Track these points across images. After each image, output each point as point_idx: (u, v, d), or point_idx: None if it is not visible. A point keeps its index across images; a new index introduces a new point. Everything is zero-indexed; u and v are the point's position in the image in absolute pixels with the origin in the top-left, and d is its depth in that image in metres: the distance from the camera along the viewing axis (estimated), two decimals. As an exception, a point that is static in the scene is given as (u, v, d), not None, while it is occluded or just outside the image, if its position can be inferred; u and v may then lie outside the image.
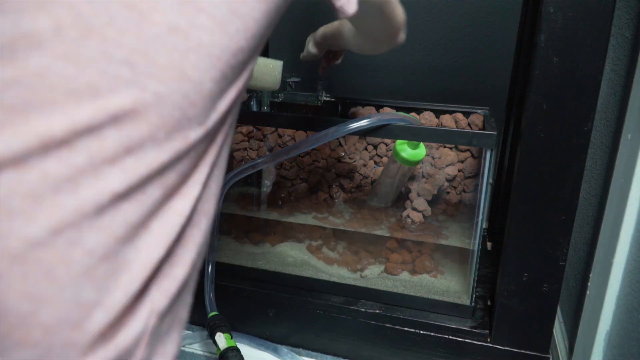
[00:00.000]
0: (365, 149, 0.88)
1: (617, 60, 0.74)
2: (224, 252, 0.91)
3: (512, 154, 0.93)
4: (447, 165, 0.83)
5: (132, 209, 0.30)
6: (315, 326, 0.82)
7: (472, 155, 0.84)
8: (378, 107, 0.94)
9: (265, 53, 1.19)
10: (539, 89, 0.63)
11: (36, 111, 0.28)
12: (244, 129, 0.91)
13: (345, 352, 0.82)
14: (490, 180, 0.87)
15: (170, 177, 0.32)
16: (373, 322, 0.79)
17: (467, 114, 0.89)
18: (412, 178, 0.85)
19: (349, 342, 0.81)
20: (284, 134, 0.88)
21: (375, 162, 0.88)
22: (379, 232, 0.85)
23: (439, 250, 0.87)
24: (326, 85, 0.96)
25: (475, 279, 0.77)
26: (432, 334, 0.76)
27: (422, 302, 0.80)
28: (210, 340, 0.81)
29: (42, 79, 0.28)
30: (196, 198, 0.34)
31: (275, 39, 1.25)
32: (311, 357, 0.83)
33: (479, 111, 0.89)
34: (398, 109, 0.91)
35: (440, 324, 0.77)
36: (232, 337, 0.77)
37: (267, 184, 0.90)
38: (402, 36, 0.63)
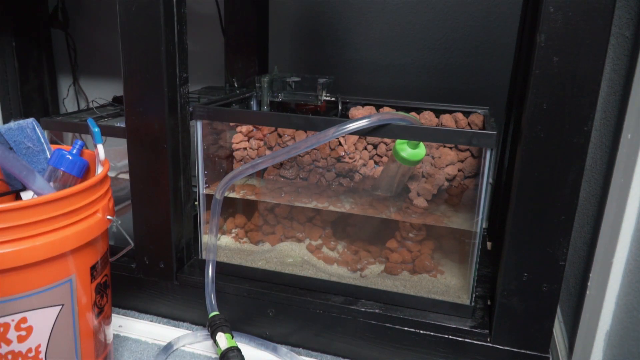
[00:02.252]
0: (365, 148, 0.88)
1: (617, 60, 0.74)
2: (224, 252, 0.91)
3: (512, 154, 0.93)
4: (447, 165, 0.83)
5: None
6: (315, 326, 0.82)
7: (472, 155, 0.84)
8: (378, 107, 0.94)
9: (265, 52, 1.19)
10: (539, 89, 0.63)
11: None
12: (244, 128, 0.91)
13: (345, 352, 0.82)
14: (490, 180, 0.87)
15: None
16: (373, 322, 0.79)
17: (467, 114, 0.89)
18: (412, 177, 0.85)
19: (348, 342, 0.81)
20: (284, 134, 0.88)
21: (375, 162, 0.88)
22: (379, 216, 0.84)
23: (439, 250, 0.87)
24: (326, 85, 0.96)
25: (475, 278, 0.77)
26: (432, 333, 0.77)
27: (422, 301, 0.80)
28: (211, 340, 0.81)
29: None
30: None
31: (276, 38, 1.25)
32: (311, 357, 0.83)
33: (479, 111, 0.89)
34: (398, 109, 0.91)
35: (440, 323, 0.77)
36: (232, 337, 0.77)
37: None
38: None
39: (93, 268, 0.64)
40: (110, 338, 0.73)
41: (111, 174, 1.22)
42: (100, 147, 0.69)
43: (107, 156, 0.70)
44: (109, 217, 0.67)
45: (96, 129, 0.70)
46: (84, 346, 0.64)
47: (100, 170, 0.69)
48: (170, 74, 0.79)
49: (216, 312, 0.81)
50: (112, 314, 0.93)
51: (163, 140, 0.81)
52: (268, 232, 0.92)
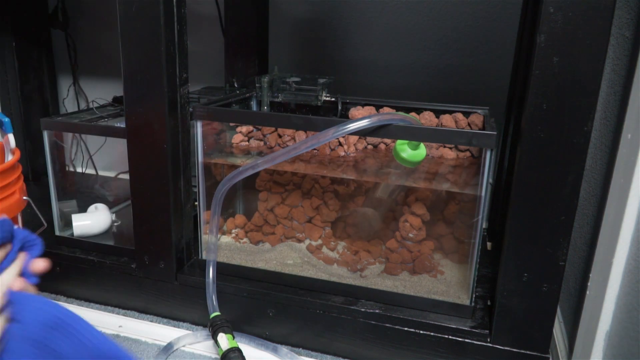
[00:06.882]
0: (365, 148, 0.88)
1: (617, 60, 0.74)
2: (224, 252, 0.91)
3: (512, 154, 0.93)
4: (447, 165, 0.83)
5: None
6: (315, 326, 0.82)
7: (472, 155, 0.84)
8: (378, 107, 0.94)
9: (265, 52, 1.19)
10: (539, 89, 0.63)
11: None
12: (244, 128, 0.91)
13: (345, 352, 0.82)
14: (490, 180, 0.87)
15: None
16: (373, 322, 0.79)
17: (467, 114, 0.89)
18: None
19: (348, 342, 0.81)
20: (284, 134, 0.88)
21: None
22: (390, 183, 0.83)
23: (439, 250, 0.87)
24: (326, 85, 0.96)
25: (475, 278, 0.77)
26: (432, 334, 0.77)
27: (422, 302, 0.80)
28: (211, 341, 0.81)
29: None
30: None
31: (276, 38, 1.25)
32: (311, 357, 0.83)
33: (479, 111, 0.89)
34: (398, 109, 0.91)
35: (440, 324, 0.77)
36: (234, 338, 0.77)
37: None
38: None
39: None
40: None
41: (111, 174, 1.22)
42: (10, 137, 0.74)
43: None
44: (24, 197, 0.75)
45: (6, 119, 0.71)
46: None
47: (10, 157, 0.76)
48: (170, 74, 0.79)
49: (217, 313, 0.81)
50: (113, 314, 0.93)
51: (163, 140, 0.81)
52: (268, 233, 0.92)
